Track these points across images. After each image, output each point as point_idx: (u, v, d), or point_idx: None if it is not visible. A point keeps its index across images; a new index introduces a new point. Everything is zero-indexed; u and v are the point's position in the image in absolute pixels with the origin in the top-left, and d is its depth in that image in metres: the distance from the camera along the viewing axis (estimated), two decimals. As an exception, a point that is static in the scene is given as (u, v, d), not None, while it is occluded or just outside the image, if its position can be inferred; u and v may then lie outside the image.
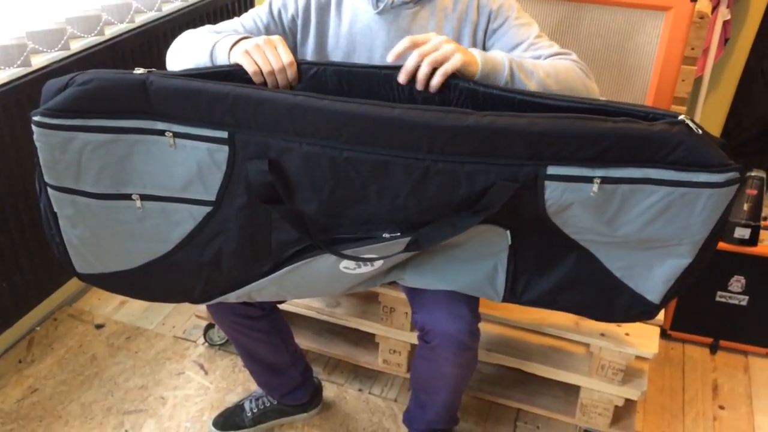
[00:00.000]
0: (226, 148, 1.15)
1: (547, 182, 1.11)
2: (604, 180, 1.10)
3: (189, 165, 1.17)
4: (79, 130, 1.12)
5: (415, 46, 1.16)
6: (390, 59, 1.17)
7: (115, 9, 2.07)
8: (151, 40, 2.21)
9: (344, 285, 1.41)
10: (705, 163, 1.08)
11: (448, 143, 1.08)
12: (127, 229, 1.25)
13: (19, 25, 1.75)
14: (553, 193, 1.13)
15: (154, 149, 1.16)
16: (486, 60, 1.20)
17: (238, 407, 1.81)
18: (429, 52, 1.15)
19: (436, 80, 1.16)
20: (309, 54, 1.44)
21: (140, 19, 2.19)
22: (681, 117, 1.08)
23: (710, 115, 2.88)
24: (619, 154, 1.08)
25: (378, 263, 1.28)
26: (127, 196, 1.21)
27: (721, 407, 1.92)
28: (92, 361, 2.02)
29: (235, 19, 1.43)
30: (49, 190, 1.20)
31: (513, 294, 1.36)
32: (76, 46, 1.95)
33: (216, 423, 1.79)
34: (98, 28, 2.00)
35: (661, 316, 1.57)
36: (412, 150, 1.10)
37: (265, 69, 1.17)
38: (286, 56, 1.17)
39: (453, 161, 1.10)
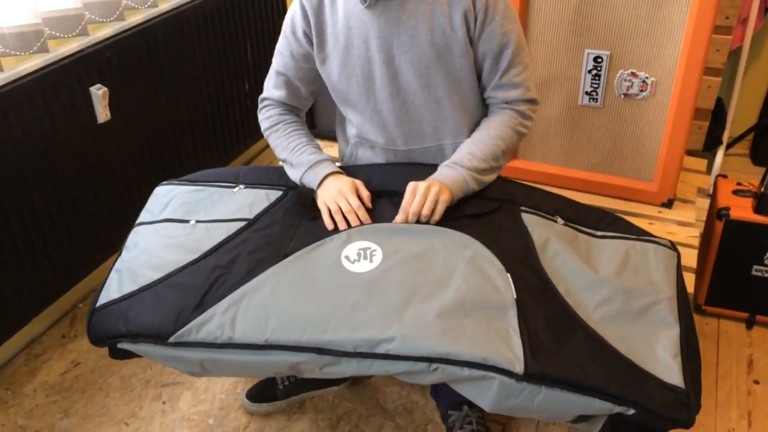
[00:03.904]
0: (281, 192, 1.51)
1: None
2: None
3: (246, 200, 1.49)
4: (181, 185, 1.56)
5: (406, 213, 1.39)
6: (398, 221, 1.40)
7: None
8: (176, 26, 2.22)
9: (343, 296, 1.24)
10: None
11: None
12: (172, 241, 1.41)
13: (36, 10, 1.74)
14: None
15: (225, 194, 1.52)
16: (455, 192, 1.43)
17: (271, 380, 1.85)
18: (418, 211, 1.38)
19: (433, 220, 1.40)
20: (317, 53, 1.51)
21: (165, 6, 2.20)
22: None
23: (750, 88, 2.81)
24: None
25: (377, 261, 1.29)
26: (187, 221, 1.46)
27: (756, 382, 1.89)
28: (132, 336, 2.08)
29: (277, 54, 1.56)
30: (138, 227, 1.49)
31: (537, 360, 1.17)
32: (101, 33, 1.98)
33: (249, 395, 1.84)
34: (117, 12, 2.00)
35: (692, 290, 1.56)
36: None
37: (337, 216, 1.41)
38: (354, 201, 1.43)
39: None
